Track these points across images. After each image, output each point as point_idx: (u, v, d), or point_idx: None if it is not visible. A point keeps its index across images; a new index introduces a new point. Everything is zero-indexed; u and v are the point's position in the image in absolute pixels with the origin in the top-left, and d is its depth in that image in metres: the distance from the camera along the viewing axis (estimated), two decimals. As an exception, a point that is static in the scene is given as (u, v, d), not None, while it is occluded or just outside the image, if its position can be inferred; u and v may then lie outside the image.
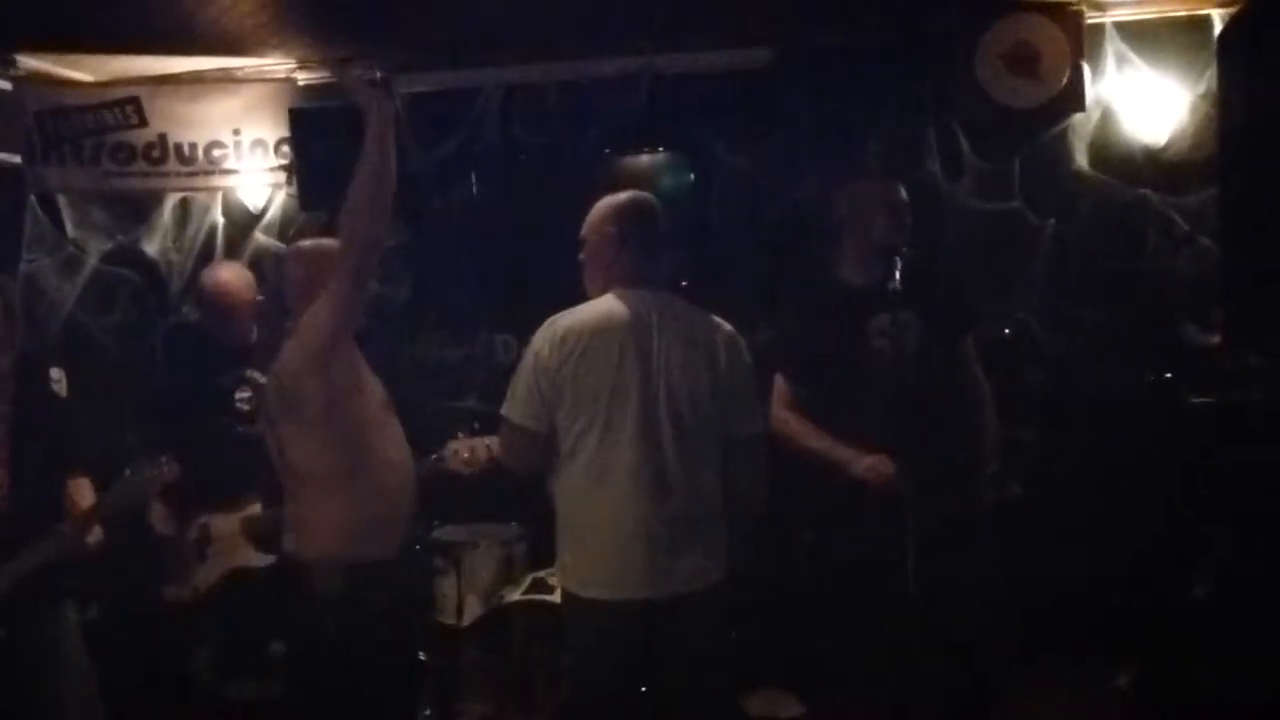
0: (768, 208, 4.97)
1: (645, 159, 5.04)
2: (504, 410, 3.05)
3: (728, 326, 3.10)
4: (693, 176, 5.04)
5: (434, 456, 3.44)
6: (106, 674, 3.40)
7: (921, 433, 3.15)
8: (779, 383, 3.46)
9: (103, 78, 4.85)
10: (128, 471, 3.18)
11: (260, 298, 4.16)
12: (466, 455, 3.41)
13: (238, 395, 3.99)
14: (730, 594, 3.04)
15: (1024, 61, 4.51)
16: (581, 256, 3.16)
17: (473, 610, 4.19)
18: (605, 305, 3.04)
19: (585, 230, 3.15)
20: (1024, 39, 4.50)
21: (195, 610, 3.94)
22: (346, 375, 3.02)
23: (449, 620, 4.12)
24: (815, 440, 3.33)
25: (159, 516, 3.89)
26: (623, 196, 3.17)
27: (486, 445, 3.39)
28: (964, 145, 4.78)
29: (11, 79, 4.69)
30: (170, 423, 3.96)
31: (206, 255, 5.07)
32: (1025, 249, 4.68)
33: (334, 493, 3.01)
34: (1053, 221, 4.68)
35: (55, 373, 3.29)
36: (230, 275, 4.13)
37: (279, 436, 3.08)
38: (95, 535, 3.23)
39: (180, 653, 4.09)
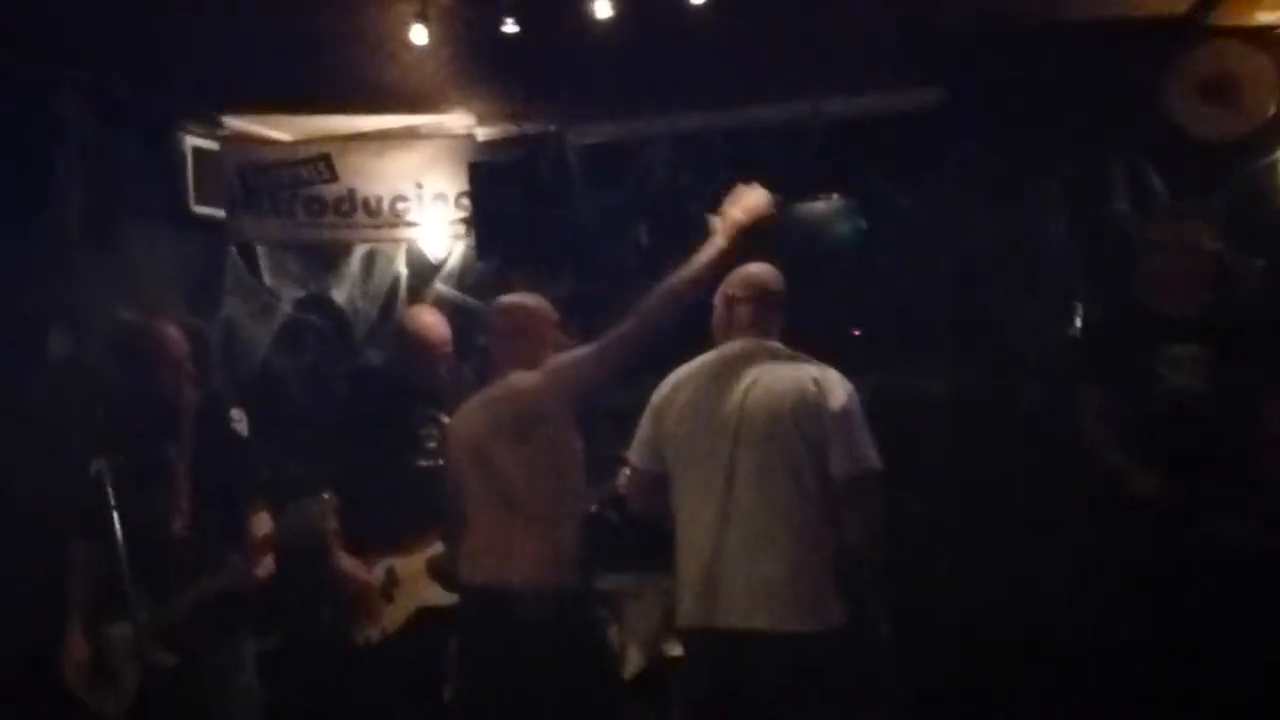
0: (942, 252, 4.85)
1: (817, 205, 5.02)
2: (628, 452, 3.26)
3: (826, 371, 3.13)
4: (864, 222, 4.98)
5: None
6: (286, 706, 3.57)
7: (1196, 463, 3.46)
8: (1086, 393, 3.76)
9: (298, 136, 5.15)
10: (291, 505, 3.35)
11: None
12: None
13: (423, 433, 4.07)
14: (841, 641, 3.00)
15: (1223, 91, 4.31)
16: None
17: (634, 662, 4.19)
18: (709, 355, 3.26)
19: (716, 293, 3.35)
20: (1223, 68, 4.28)
21: (384, 651, 3.98)
22: (571, 407, 3.32)
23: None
24: (1111, 454, 3.63)
25: (348, 565, 3.94)
26: (744, 269, 3.36)
27: None
28: (1155, 182, 4.56)
29: (218, 138, 5.03)
30: (356, 460, 4.06)
31: (390, 304, 5.29)
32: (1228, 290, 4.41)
33: (550, 520, 3.24)
34: (1262, 262, 4.40)
35: (236, 413, 3.50)
36: (433, 319, 4.25)
37: (499, 465, 3.26)
38: (266, 567, 3.39)
39: (370, 692, 4.11)
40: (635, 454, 3.24)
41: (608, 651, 3.45)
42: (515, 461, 3.25)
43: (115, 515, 2.95)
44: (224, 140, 5.06)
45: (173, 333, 3.44)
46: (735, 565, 3.01)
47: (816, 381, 3.07)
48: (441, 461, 3.84)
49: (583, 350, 3.28)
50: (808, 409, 3.03)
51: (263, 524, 3.44)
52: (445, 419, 3.95)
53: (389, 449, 3.99)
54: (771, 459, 3.02)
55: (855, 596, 3.07)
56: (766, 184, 4.83)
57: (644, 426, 3.23)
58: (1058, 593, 4.14)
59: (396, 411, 4.06)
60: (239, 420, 3.48)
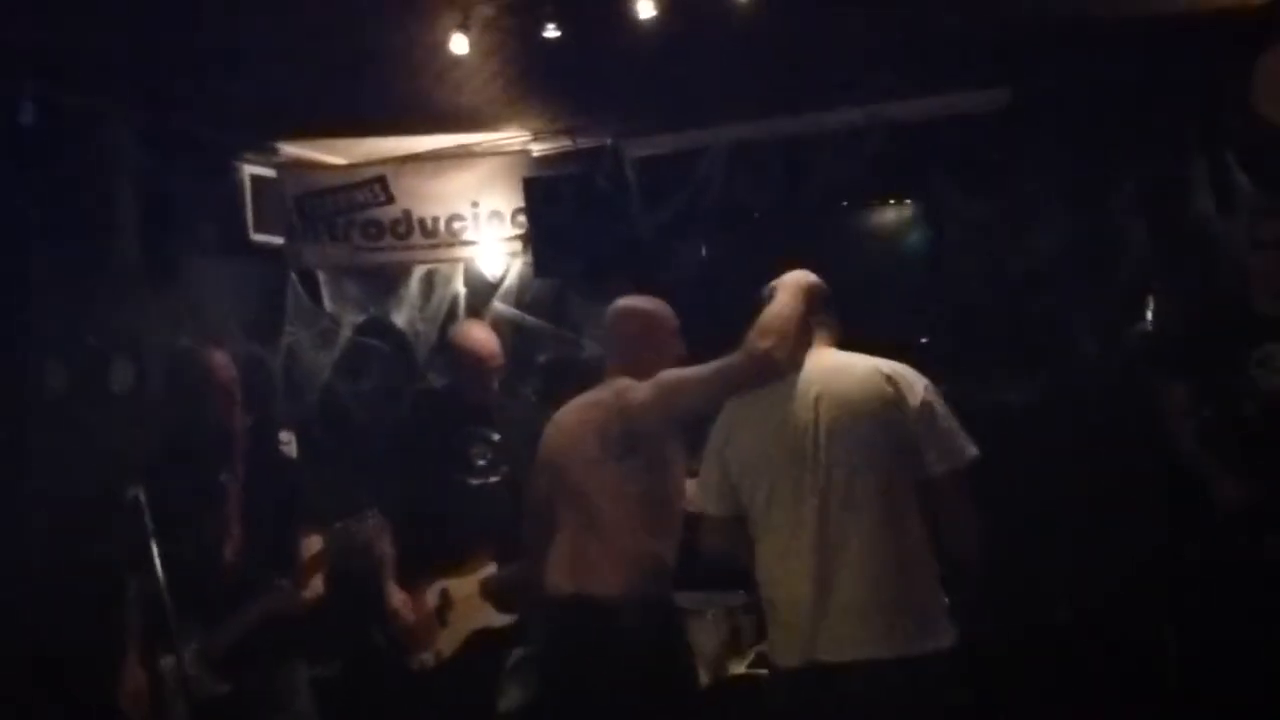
0: (1011, 258, 4.68)
1: (880, 212, 4.88)
2: (692, 502, 3.14)
3: (896, 365, 2.89)
4: (929, 228, 4.83)
5: None
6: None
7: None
8: (1172, 391, 3.74)
9: (353, 159, 5.15)
10: (338, 525, 3.29)
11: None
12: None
13: (473, 451, 4.01)
14: (946, 662, 2.79)
15: (1312, 85, 4.08)
16: None
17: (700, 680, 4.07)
18: None
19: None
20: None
21: (440, 674, 3.92)
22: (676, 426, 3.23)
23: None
24: (1196, 455, 3.61)
25: (398, 601, 3.87)
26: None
27: None
28: (1241, 180, 4.34)
29: (274, 165, 5.03)
30: (412, 481, 4.00)
31: (450, 324, 5.22)
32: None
33: (649, 532, 3.16)
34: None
35: (285, 435, 3.48)
36: (483, 334, 4.19)
37: (602, 475, 3.16)
38: (314, 589, 3.33)
39: (427, 716, 4.04)
40: (705, 502, 3.03)
41: (693, 666, 3.34)
42: (619, 472, 3.15)
43: (154, 544, 2.89)
44: (280, 167, 5.07)
45: (219, 358, 3.41)
46: (843, 595, 2.77)
47: (890, 379, 2.84)
48: (494, 479, 3.77)
49: (694, 373, 3.10)
50: (889, 410, 2.80)
51: (312, 546, 3.39)
52: (496, 437, 3.88)
53: (440, 469, 3.93)
54: (862, 474, 2.79)
55: (964, 609, 2.90)
56: (827, 192, 4.83)
57: (709, 471, 3.02)
58: (1138, 598, 4.01)
59: (447, 430, 4.00)
60: (287, 443, 3.45)
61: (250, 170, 5.01)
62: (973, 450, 2.81)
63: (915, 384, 2.85)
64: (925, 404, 2.81)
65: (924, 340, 4.77)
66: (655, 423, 3.15)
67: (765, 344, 2.90)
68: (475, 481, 3.93)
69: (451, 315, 5.27)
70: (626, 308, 3.40)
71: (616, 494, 3.15)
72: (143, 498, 2.91)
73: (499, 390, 4.12)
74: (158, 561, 2.94)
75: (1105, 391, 4.41)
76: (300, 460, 3.54)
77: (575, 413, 3.34)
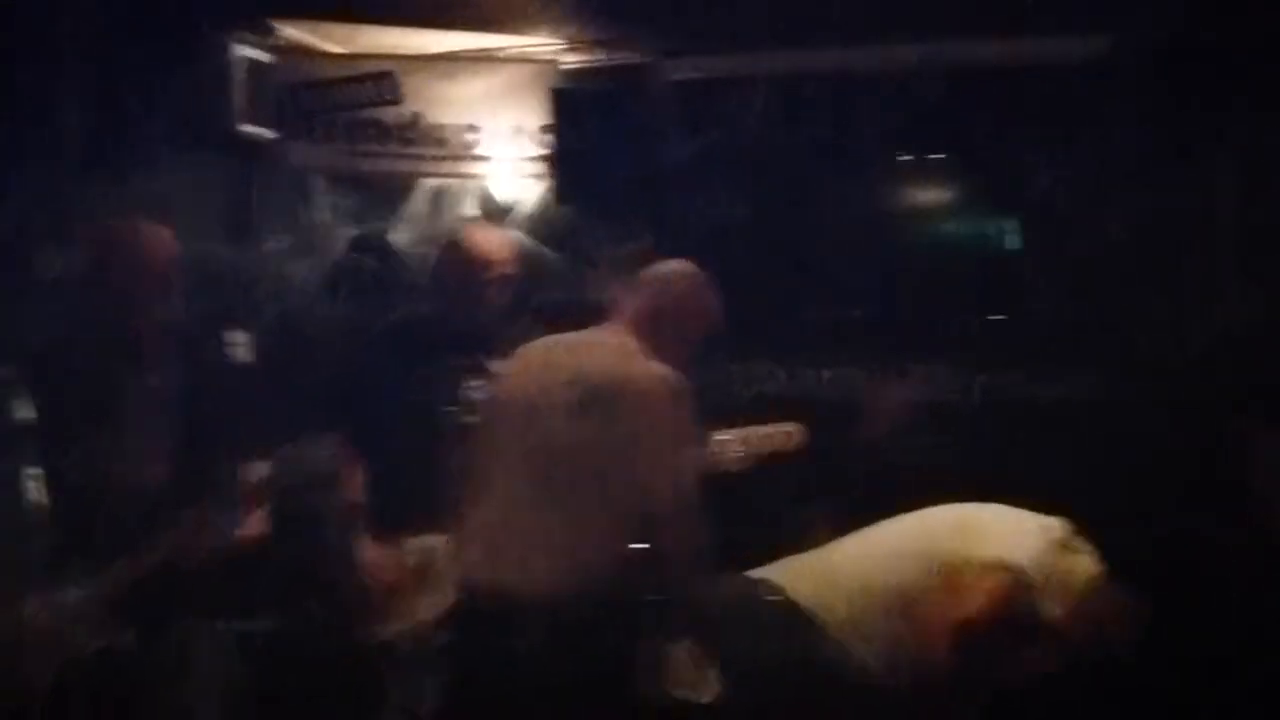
0: (1084, 234, 4.15)
1: (939, 166, 4.34)
2: None
3: None
4: (993, 189, 4.31)
5: None
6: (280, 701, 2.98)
7: None
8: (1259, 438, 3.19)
9: (358, 50, 4.60)
10: (288, 448, 2.72)
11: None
12: None
13: (465, 383, 3.31)
14: None
15: None
16: None
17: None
18: None
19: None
20: None
21: (413, 647, 3.19)
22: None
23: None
24: None
25: (374, 555, 3.21)
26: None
27: None
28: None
29: (270, 49, 4.50)
30: (390, 415, 3.26)
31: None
32: None
33: (612, 514, 2.57)
34: None
35: (235, 335, 2.90)
36: (490, 236, 3.48)
37: (568, 441, 2.58)
38: (253, 526, 2.78)
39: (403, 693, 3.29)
40: None
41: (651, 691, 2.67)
42: (590, 444, 2.55)
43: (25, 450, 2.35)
44: (277, 51, 4.52)
45: (156, 233, 2.82)
46: None
47: None
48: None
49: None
50: None
51: (254, 472, 2.83)
52: (495, 367, 3.30)
53: (423, 403, 3.25)
54: None
55: None
56: (883, 140, 4.29)
57: None
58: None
59: (437, 355, 3.32)
60: (238, 344, 2.88)
61: (241, 51, 4.46)
62: None
63: None
64: None
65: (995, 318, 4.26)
66: (665, 419, 2.59)
67: None
68: (471, 419, 3.32)
69: (458, 240, 4.75)
70: (673, 273, 2.83)
71: (578, 462, 2.55)
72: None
73: (505, 310, 3.47)
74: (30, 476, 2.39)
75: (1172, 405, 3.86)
76: (251, 369, 2.95)
77: (553, 351, 2.76)
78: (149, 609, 2.64)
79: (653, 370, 2.60)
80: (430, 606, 3.19)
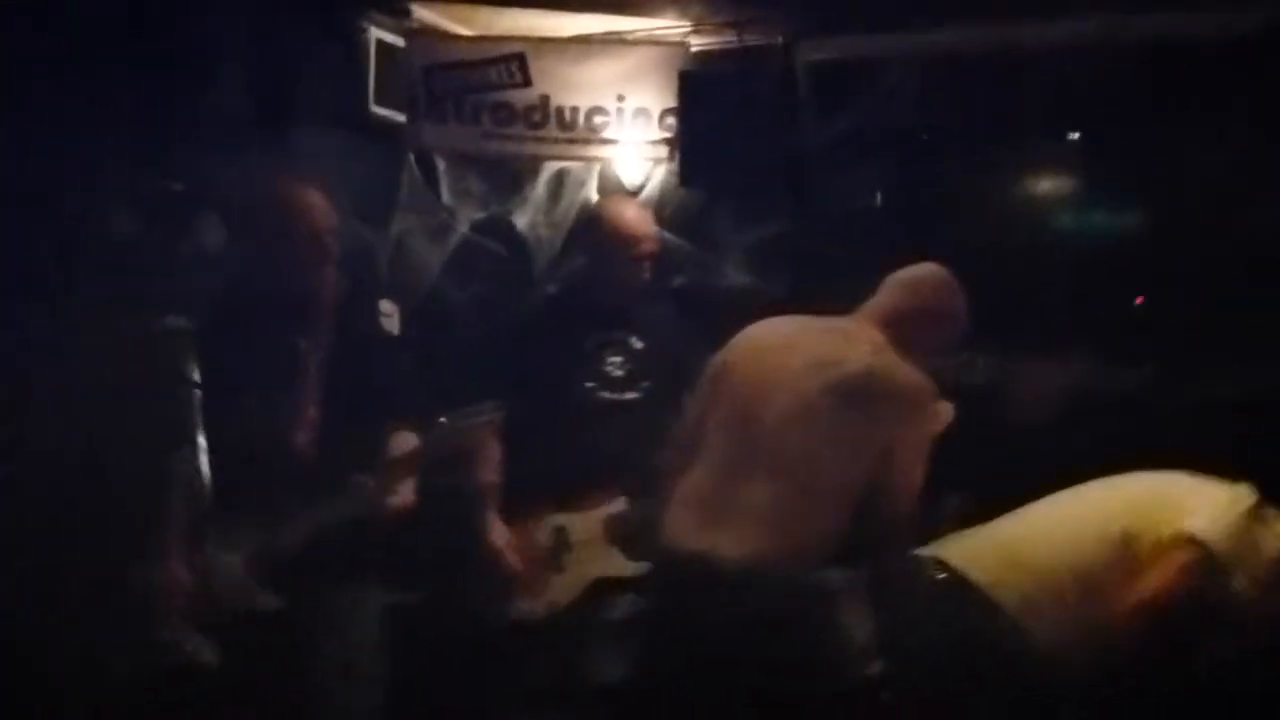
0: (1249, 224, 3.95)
1: (1087, 147, 4.18)
2: None
3: None
4: (1161, 173, 4.12)
5: None
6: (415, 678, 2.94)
7: None
8: None
9: (489, 33, 4.59)
10: (444, 420, 2.70)
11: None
12: None
13: (608, 358, 3.32)
14: None
15: None
16: None
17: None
18: None
19: None
20: None
21: (547, 630, 3.24)
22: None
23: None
24: None
25: (500, 541, 3.23)
26: None
27: None
28: None
29: (404, 31, 4.51)
30: (527, 390, 3.25)
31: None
32: None
33: (819, 495, 2.60)
34: None
35: (388, 306, 2.90)
36: (634, 210, 3.46)
37: (795, 415, 2.58)
38: (403, 496, 2.76)
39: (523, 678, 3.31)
40: None
41: (836, 660, 2.62)
42: (834, 428, 2.54)
43: (198, 409, 2.34)
44: (410, 34, 4.53)
45: (315, 199, 2.84)
46: None
47: None
48: (631, 395, 3.15)
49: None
50: None
51: (403, 443, 2.80)
52: (639, 344, 3.24)
53: (562, 378, 3.25)
54: None
55: None
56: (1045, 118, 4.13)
57: None
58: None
59: (579, 330, 3.31)
60: (389, 315, 2.87)
61: (377, 34, 4.48)
62: None
63: None
64: None
65: (1139, 300, 4.09)
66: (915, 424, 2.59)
67: None
68: (608, 396, 3.25)
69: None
70: (930, 278, 2.79)
71: (813, 441, 2.53)
72: (188, 334, 2.35)
73: (649, 285, 3.41)
74: (201, 435, 2.39)
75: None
76: (403, 340, 2.94)
77: (795, 331, 2.74)
78: (301, 575, 2.64)
79: (918, 378, 2.59)
80: (564, 588, 3.16)
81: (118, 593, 2.70)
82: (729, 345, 2.79)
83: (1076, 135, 4.16)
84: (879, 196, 4.34)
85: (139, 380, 2.68)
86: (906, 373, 2.59)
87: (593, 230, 3.43)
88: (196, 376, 2.39)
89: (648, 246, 3.31)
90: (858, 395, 2.54)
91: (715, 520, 2.53)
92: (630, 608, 2.94)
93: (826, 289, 4.47)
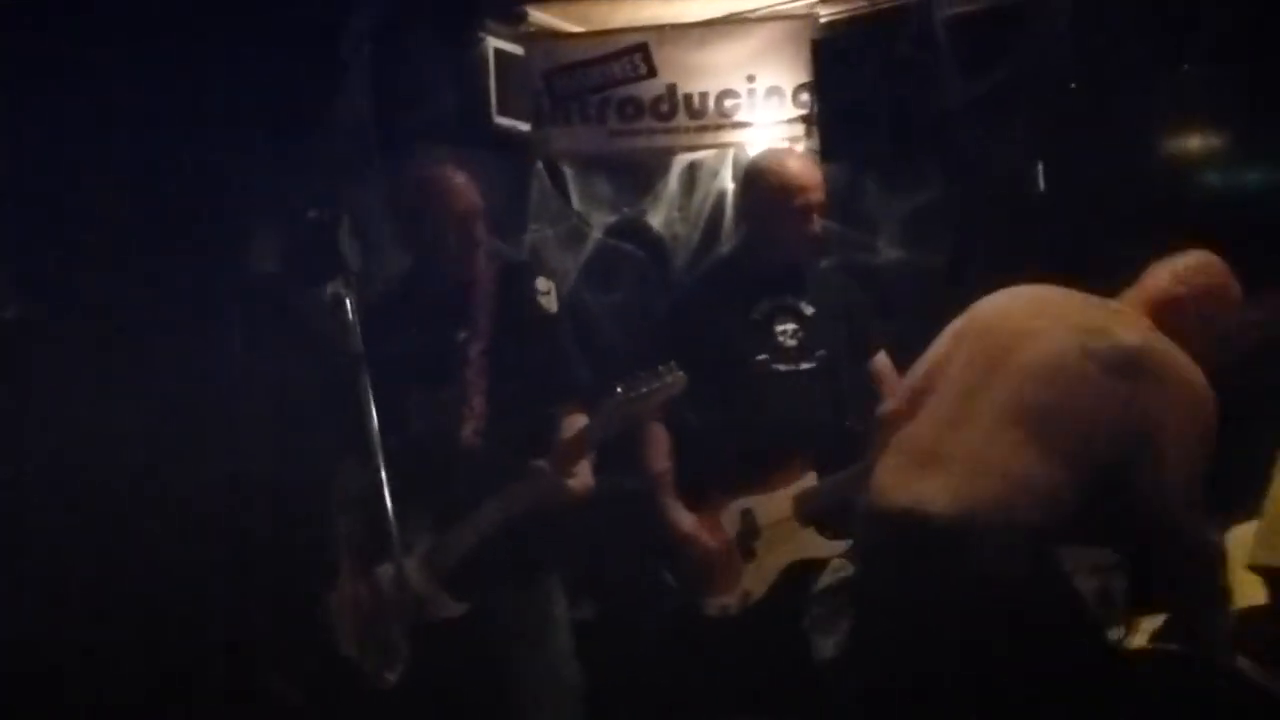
0: None
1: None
2: None
3: None
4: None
5: None
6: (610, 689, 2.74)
7: None
8: None
9: (607, 27, 4.45)
10: (619, 389, 2.50)
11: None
12: None
13: (779, 328, 3.05)
14: None
15: None
16: None
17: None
18: None
19: None
20: None
21: (747, 623, 2.98)
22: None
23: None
24: None
25: (688, 525, 3.00)
26: None
27: None
28: None
29: (521, 38, 4.40)
30: (697, 366, 2.85)
31: (714, 226, 4.49)
32: None
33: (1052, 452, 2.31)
34: None
35: (543, 283, 2.73)
36: (799, 160, 3.18)
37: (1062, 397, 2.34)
38: (582, 478, 2.57)
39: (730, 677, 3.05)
40: None
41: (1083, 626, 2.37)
42: (1101, 401, 2.31)
43: (372, 413, 2.20)
44: (528, 40, 4.42)
45: (461, 182, 2.70)
46: None
47: None
48: (806, 365, 2.92)
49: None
50: None
51: (574, 424, 2.62)
52: (809, 310, 3.00)
53: (736, 350, 3.01)
54: None
55: None
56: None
57: None
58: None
59: (747, 298, 3.07)
60: (546, 292, 2.70)
61: (495, 44, 4.37)
62: None
63: None
64: None
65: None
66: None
67: None
68: (783, 368, 2.99)
69: (718, 215, 4.51)
70: (1203, 266, 2.53)
71: (1046, 394, 2.30)
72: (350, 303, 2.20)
73: (818, 242, 3.17)
74: (376, 439, 2.25)
75: None
76: (564, 317, 2.76)
77: (1054, 294, 2.52)
78: (485, 577, 2.47)
79: (1196, 373, 2.35)
80: (759, 576, 2.93)
81: (299, 615, 2.58)
82: (978, 302, 2.55)
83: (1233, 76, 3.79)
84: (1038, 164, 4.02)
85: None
86: (1185, 363, 2.33)
87: (754, 186, 3.18)
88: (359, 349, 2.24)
89: (815, 196, 3.07)
90: (1126, 369, 2.28)
91: (925, 469, 2.28)
92: (833, 577, 2.68)
93: (988, 259, 4.27)
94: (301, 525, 2.87)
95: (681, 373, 2.52)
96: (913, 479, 2.28)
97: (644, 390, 2.49)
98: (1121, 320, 2.41)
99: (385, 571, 2.49)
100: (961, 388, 2.37)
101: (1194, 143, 4.25)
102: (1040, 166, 4.28)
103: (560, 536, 2.63)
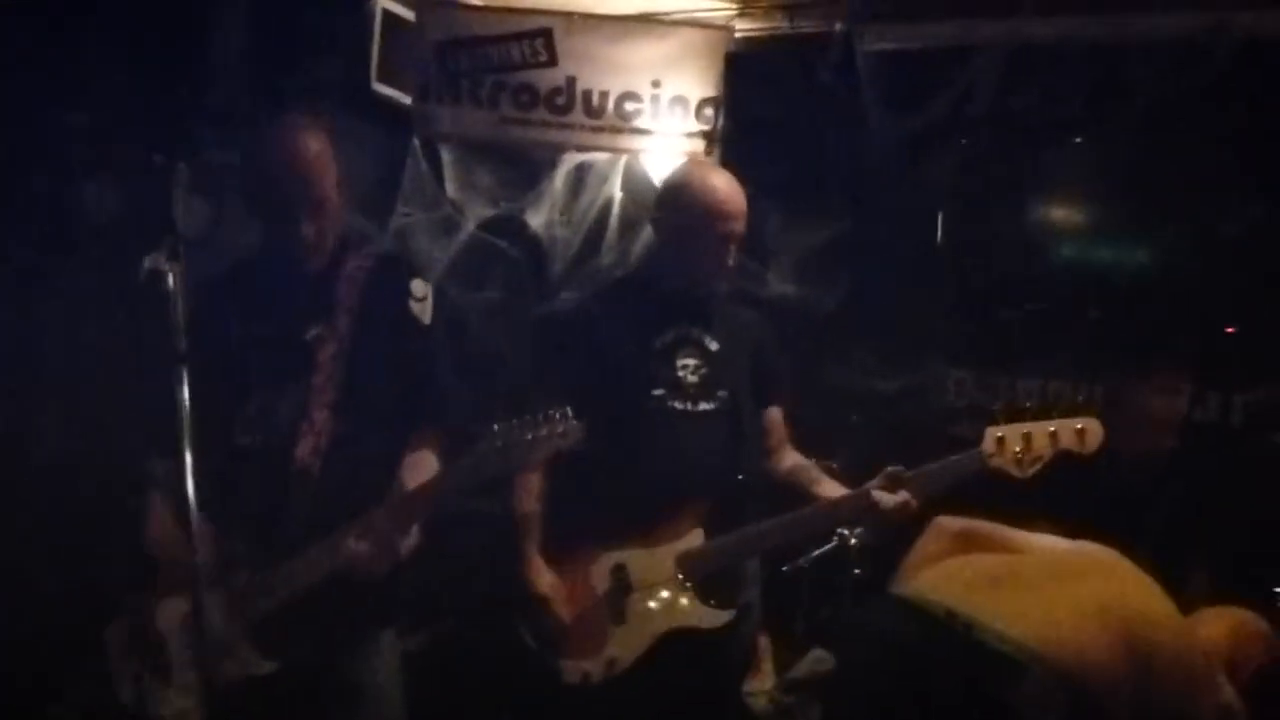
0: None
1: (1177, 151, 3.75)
2: None
3: None
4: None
5: None
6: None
7: None
8: None
9: (511, 5, 4.08)
10: (497, 428, 2.11)
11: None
12: None
13: (680, 362, 2.70)
14: None
15: None
16: None
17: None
18: None
19: None
20: None
21: (612, 695, 2.60)
22: None
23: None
24: None
25: (544, 584, 2.62)
26: None
27: None
28: None
29: (415, 2, 4.01)
30: (582, 400, 2.40)
31: (596, 235, 4.18)
32: None
33: None
34: None
35: (419, 287, 2.33)
36: (723, 179, 2.80)
37: None
38: (407, 545, 2.18)
39: None
40: None
41: None
42: None
43: (185, 403, 1.80)
44: (422, 4, 4.03)
45: (317, 148, 2.28)
46: None
47: None
48: (706, 406, 2.60)
49: None
50: None
51: (423, 466, 2.24)
52: (714, 345, 2.67)
53: (629, 381, 2.65)
54: None
55: None
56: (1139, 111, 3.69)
57: None
58: None
59: (647, 327, 2.71)
60: (422, 298, 2.31)
61: (384, 4, 3.99)
62: None
63: None
64: None
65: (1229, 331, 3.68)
66: None
67: None
68: (680, 405, 2.64)
69: (601, 224, 4.20)
70: None
71: None
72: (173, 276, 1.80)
73: (730, 275, 2.84)
74: (187, 446, 1.83)
75: None
76: (437, 329, 2.36)
77: None
78: (305, 627, 2.08)
79: None
80: (627, 642, 2.58)
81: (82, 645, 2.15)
82: None
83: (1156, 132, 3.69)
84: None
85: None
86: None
87: (676, 202, 2.81)
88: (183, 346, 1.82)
89: (738, 226, 2.74)
90: None
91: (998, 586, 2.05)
92: (809, 669, 2.37)
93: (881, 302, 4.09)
94: (100, 527, 2.43)
95: (578, 422, 2.15)
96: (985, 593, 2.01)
97: (528, 437, 2.10)
98: None
99: (178, 607, 2.07)
100: None
101: (1083, 212, 4.21)
102: (940, 217, 4.16)
103: (396, 588, 2.24)
